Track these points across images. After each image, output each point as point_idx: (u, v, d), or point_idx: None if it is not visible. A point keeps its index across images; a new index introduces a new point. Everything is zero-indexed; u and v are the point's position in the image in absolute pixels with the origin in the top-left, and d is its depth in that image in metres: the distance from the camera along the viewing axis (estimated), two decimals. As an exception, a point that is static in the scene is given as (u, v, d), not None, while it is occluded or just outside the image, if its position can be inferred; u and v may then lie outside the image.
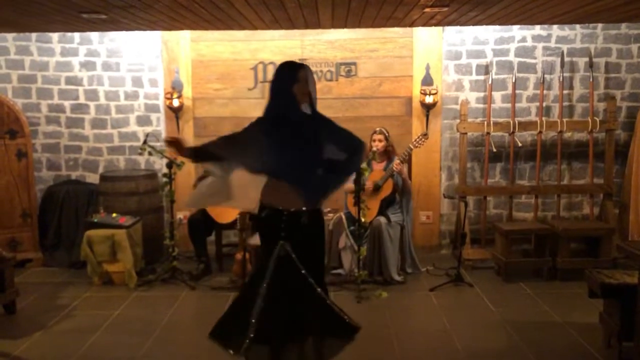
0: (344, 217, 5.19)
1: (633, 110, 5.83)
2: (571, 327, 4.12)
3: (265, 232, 3.12)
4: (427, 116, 5.79)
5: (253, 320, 2.90)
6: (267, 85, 5.87)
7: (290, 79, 3.03)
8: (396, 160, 5.05)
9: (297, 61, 3.13)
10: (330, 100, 5.90)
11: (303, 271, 2.96)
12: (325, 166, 3.03)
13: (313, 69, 5.81)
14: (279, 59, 5.89)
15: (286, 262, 2.97)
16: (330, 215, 5.43)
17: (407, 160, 5.35)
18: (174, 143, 3.09)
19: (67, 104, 6.04)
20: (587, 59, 5.77)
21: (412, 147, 5.13)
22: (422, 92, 5.68)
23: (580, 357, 3.68)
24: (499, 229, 5.34)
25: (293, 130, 3.00)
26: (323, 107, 6.06)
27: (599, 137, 5.78)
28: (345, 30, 5.71)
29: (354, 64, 5.89)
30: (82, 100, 6.03)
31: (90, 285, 5.11)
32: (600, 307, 3.86)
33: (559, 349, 3.79)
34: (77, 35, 5.93)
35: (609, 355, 3.65)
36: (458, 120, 5.66)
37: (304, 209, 3.00)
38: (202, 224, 5.32)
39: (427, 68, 5.73)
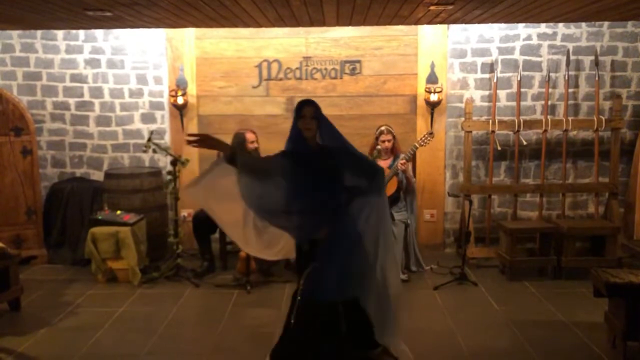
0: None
1: (639, 109, 5.80)
2: (576, 326, 4.11)
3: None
4: (432, 114, 5.77)
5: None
6: (272, 83, 5.93)
7: (296, 114, 3.23)
8: (401, 159, 5.04)
9: (308, 98, 3.35)
10: (335, 98, 5.90)
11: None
12: (347, 194, 3.19)
13: (317, 66, 5.84)
14: (284, 57, 5.89)
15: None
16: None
17: (412, 158, 5.33)
18: (202, 141, 3.11)
19: (72, 101, 6.05)
20: (592, 57, 5.74)
21: (417, 145, 5.11)
22: (427, 90, 5.67)
23: (585, 357, 3.67)
24: (504, 227, 5.33)
25: (304, 163, 3.17)
26: (327, 105, 6.10)
27: (604, 135, 5.75)
28: (350, 28, 5.70)
29: (359, 62, 5.88)
30: (86, 97, 6.04)
31: (94, 282, 5.12)
32: (605, 306, 3.85)
33: (564, 349, 3.78)
34: (82, 33, 5.93)
35: (614, 355, 3.64)
36: (463, 119, 5.65)
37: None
38: (206, 221, 5.27)
39: (432, 66, 5.72)
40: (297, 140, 3.24)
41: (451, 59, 5.84)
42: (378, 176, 3.29)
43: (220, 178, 3.12)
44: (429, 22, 4.93)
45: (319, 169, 3.17)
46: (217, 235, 5.56)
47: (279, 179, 3.15)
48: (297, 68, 5.89)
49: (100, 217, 5.24)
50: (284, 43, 5.87)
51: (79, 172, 6.14)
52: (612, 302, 3.73)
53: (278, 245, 3.31)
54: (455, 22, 4.96)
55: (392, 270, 3.36)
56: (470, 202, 5.31)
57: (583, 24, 5.74)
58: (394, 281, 3.34)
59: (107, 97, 6.04)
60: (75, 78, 6.02)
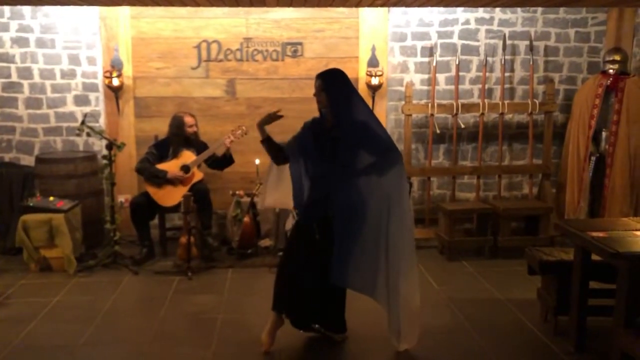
0: (290, 198, 5.15)
1: (570, 93, 6.02)
2: (511, 303, 4.26)
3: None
4: (373, 98, 5.79)
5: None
6: (212, 64, 5.80)
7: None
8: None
9: (322, 71, 3.54)
10: (277, 81, 5.83)
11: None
12: (356, 172, 3.36)
13: (258, 48, 5.76)
14: (223, 38, 5.77)
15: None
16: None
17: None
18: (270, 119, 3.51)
19: (-3, 82, 5.74)
20: (527, 42, 5.90)
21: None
22: (368, 73, 5.68)
23: (519, 332, 3.81)
24: (443, 209, 5.45)
25: (315, 136, 3.45)
26: (269, 88, 6.03)
27: (538, 119, 5.94)
28: (291, 9, 5.63)
29: (300, 44, 5.82)
30: (14, 78, 5.73)
31: (26, 272, 4.91)
32: (538, 283, 4.01)
33: (500, 325, 3.91)
34: (6, 9, 5.60)
35: (546, 329, 3.80)
36: (403, 102, 5.70)
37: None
38: (144, 207, 5.17)
39: (373, 49, 5.73)
40: (319, 116, 3.52)
41: (392, 42, 5.87)
42: (386, 154, 3.36)
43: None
44: (370, 5, 4.92)
45: (327, 143, 3.37)
46: (156, 221, 5.43)
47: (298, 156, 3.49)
48: (237, 49, 5.78)
49: (31, 204, 5.02)
50: (223, 23, 5.74)
51: (7, 156, 5.84)
52: (544, 279, 3.89)
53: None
54: (395, 5, 4.97)
55: (404, 249, 3.38)
56: (411, 185, 5.38)
57: (518, 10, 5.89)
58: (406, 263, 3.38)
59: (37, 78, 5.75)
60: (1, 58, 5.69)
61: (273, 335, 3.50)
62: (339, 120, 3.36)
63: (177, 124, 5.25)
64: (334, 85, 3.39)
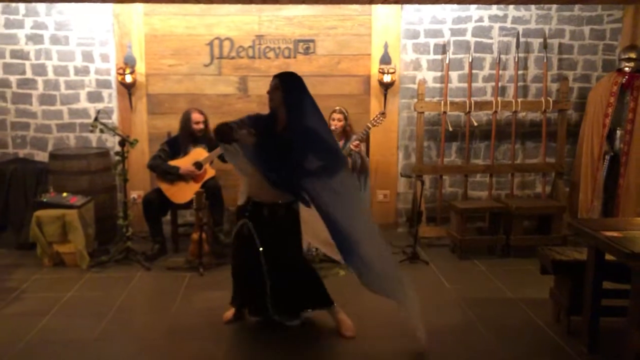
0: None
1: (584, 91, 5.97)
2: (523, 302, 4.23)
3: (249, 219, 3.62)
4: (385, 95, 5.78)
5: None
6: (224, 62, 5.82)
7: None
8: (354, 141, 5.03)
9: (286, 71, 3.61)
10: (288, 78, 5.82)
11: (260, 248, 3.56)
12: (305, 173, 3.40)
13: (271, 45, 5.75)
14: (236, 35, 5.78)
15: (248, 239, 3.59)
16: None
17: (365, 139, 5.33)
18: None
19: (12, 78, 5.78)
20: (541, 40, 5.85)
21: (370, 125, 5.11)
22: (380, 70, 5.67)
23: (531, 332, 3.79)
24: (455, 207, 5.42)
25: (270, 136, 3.45)
26: (281, 85, 5.94)
27: (551, 117, 5.90)
28: (304, 6, 5.63)
29: (312, 41, 5.82)
30: (29, 75, 5.78)
31: (40, 267, 4.96)
32: (551, 283, 3.98)
33: (511, 325, 3.89)
34: (22, 7, 5.65)
35: (558, 330, 3.77)
36: (415, 100, 5.68)
37: (280, 202, 3.54)
38: (157, 203, 5.20)
39: (386, 47, 5.71)
40: (269, 112, 3.54)
41: (404, 39, 5.85)
42: (334, 159, 3.41)
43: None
44: (383, 2, 4.91)
45: (277, 143, 3.40)
46: (168, 217, 5.46)
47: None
48: (249, 46, 5.79)
49: (45, 200, 5.06)
50: (236, 21, 5.75)
51: (22, 152, 5.90)
52: (557, 278, 3.86)
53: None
54: (408, 2, 4.96)
55: (374, 252, 3.52)
56: (422, 183, 5.37)
57: (532, 7, 5.84)
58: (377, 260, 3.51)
59: (51, 75, 5.80)
60: (15, 54, 5.75)
61: (232, 319, 3.88)
62: (290, 122, 3.41)
63: (184, 120, 5.27)
64: (289, 85, 3.44)
